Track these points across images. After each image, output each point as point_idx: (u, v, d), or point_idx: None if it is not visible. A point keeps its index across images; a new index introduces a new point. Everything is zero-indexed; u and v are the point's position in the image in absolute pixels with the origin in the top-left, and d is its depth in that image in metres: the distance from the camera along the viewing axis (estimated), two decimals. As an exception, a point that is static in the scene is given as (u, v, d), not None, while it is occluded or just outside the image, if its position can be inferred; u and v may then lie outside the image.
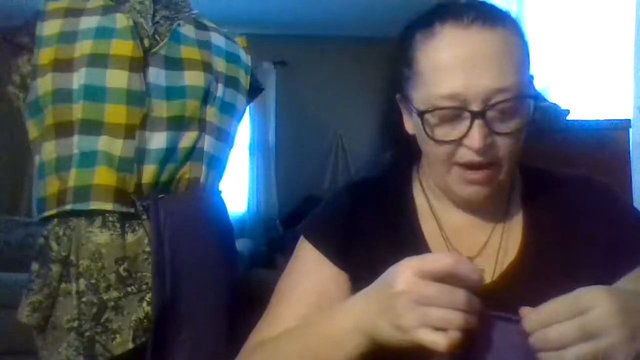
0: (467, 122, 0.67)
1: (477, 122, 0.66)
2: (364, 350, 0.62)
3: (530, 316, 0.55)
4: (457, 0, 0.73)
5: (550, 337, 0.54)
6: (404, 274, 0.57)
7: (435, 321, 0.55)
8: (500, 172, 0.71)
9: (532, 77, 0.73)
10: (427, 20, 0.71)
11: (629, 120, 1.57)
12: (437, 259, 0.58)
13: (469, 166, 0.69)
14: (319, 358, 0.65)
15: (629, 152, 1.56)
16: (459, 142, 0.68)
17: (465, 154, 0.69)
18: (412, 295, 0.56)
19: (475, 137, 0.66)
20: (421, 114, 0.69)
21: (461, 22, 0.68)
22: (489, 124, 0.66)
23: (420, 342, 0.55)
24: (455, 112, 0.67)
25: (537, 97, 0.72)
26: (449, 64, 0.67)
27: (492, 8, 0.71)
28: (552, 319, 0.54)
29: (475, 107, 0.66)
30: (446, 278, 0.56)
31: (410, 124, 0.77)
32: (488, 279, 0.73)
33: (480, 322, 0.57)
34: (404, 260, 0.59)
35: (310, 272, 0.78)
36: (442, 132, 0.69)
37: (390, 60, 0.77)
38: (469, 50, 0.66)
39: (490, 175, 0.70)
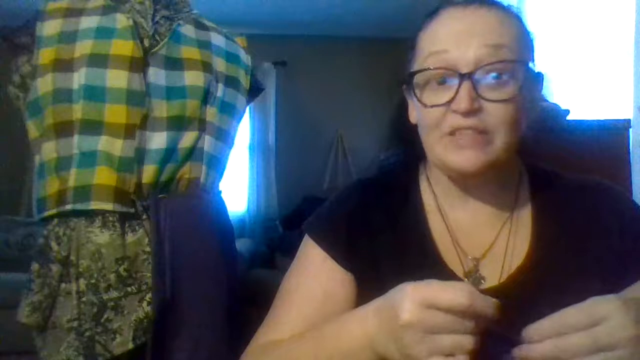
0: (455, 86, 0.68)
1: (465, 84, 0.67)
2: None
3: (542, 324, 0.54)
4: None
5: (560, 346, 0.53)
6: (409, 303, 0.55)
7: (445, 349, 0.54)
8: (492, 141, 0.69)
9: (541, 75, 0.74)
10: (433, 10, 0.75)
11: (629, 120, 1.58)
12: (448, 295, 0.54)
13: (458, 130, 0.69)
14: None
15: (629, 152, 1.56)
16: (447, 106, 0.69)
17: (453, 119, 0.69)
18: (419, 326, 0.55)
19: (462, 99, 0.67)
20: (411, 75, 0.72)
21: (460, 4, 0.72)
22: (476, 86, 0.67)
23: None
24: (445, 74, 0.69)
25: (530, 67, 0.73)
26: (444, 35, 0.71)
27: None
28: (563, 328, 0.53)
29: (464, 70, 0.68)
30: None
31: (414, 112, 0.78)
32: (495, 280, 0.73)
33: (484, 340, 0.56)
34: (408, 286, 0.57)
35: (315, 272, 0.77)
36: (431, 97, 0.71)
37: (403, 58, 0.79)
38: (463, 24, 0.70)
39: (479, 140, 0.68)
